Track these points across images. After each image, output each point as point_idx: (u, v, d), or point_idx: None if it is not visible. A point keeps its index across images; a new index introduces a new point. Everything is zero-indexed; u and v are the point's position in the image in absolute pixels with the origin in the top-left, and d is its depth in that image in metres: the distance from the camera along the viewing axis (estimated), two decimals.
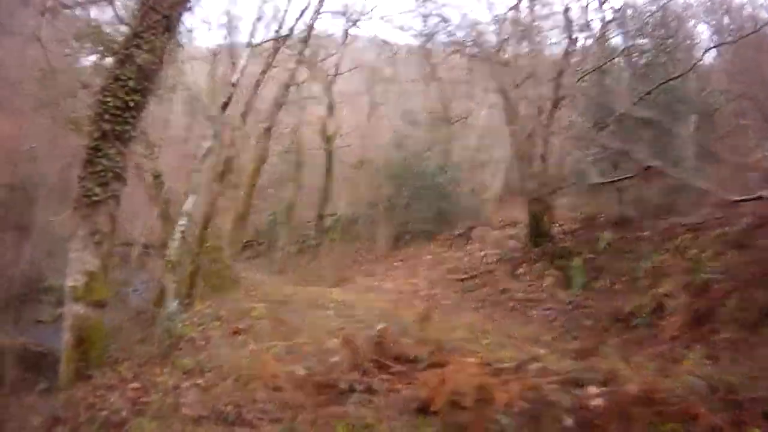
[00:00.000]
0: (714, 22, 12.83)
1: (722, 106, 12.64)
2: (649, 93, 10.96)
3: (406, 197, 16.23)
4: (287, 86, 15.17)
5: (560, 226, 13.36)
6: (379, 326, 6.21)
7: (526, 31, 13.40)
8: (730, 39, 11.79)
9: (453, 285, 12.14)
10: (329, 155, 18.32)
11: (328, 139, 18.28)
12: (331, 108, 18.28)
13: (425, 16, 15.00)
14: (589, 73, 12.35)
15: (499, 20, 13.36)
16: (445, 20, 14.23)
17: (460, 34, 14.39)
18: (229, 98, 10.57)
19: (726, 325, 7.16)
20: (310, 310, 8.72)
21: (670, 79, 11.08)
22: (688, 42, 12.83)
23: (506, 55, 13.71)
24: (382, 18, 28.72)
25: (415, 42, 17.41)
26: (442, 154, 17.48)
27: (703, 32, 13.89)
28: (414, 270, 13.48)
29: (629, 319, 8.86)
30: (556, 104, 12.13)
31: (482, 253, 13.58)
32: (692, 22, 13.22)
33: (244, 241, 16.19)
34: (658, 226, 10.99)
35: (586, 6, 13.16)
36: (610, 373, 6.07)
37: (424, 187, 16.04)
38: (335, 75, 18.57)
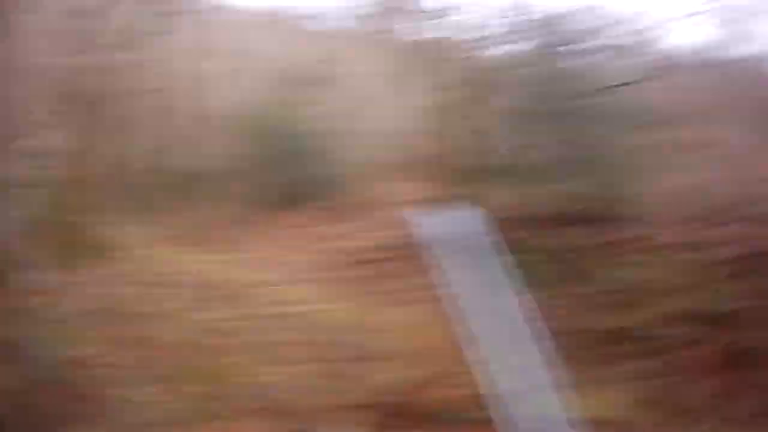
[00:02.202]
0: None
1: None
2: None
3: (272, 157, 13.35)
4: None
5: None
6: None
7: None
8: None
9: (359, 268, 9.46)
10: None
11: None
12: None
13: None
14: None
15: None
16: None
17: None
18: None
19: None
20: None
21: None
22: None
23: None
24: None
25: None
26: (311, 116, 14.37)
27: None
28: (300, 244, 10.69)
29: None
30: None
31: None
32: None
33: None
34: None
35: None
36: None
37: (293, 149, 13.29)
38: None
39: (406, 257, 9.57)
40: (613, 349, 7.35)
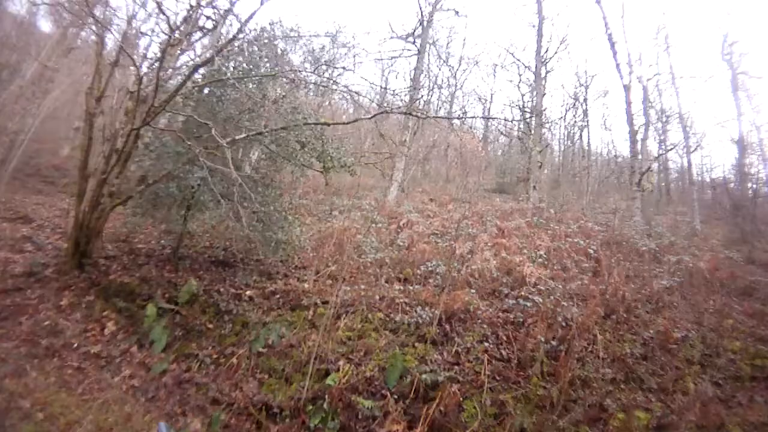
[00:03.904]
0: None
1: None
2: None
3: None
4: None
5: (104, 247, 9.59)
6: None
7: None
8: None
9: None
10: None
11: None
12: None
13: None
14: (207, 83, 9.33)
15: None
16: None
17: None
18: None
19: None
20: None
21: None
22: None
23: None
24: None
25: None
26: None
27: None
28: None
29: (297, 415, 6.19)
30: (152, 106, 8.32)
31: (2, 255, 8.95)
32: None
33: None
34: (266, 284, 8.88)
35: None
36: None
37: None
38: None
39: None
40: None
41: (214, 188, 7.88)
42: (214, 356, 7.23)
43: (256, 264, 9.83)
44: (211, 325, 7.85)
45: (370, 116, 9.66)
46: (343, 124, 10.78)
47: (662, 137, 20.92)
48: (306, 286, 8.97)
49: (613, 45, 16.46)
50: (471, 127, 26.71)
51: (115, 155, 8.38)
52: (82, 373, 6.44)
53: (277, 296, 8.68)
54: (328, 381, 6.63)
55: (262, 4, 8.55)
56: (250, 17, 8.70)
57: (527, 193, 16.78)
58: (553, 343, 7.40)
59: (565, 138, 26.42)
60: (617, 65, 16.31)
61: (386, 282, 9.39)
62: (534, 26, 19.48)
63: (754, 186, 17.73)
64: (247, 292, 8.68)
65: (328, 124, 9.66)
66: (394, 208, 15.12)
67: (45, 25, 18.83)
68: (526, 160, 19.43)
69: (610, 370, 7.12)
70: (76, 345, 6.94)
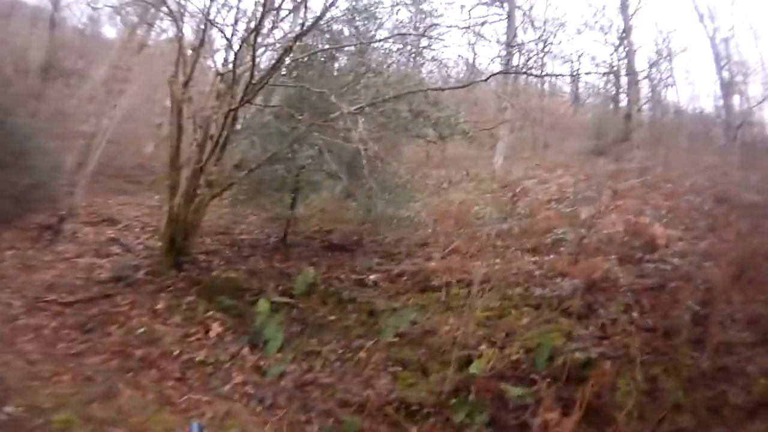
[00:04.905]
0: None
1: None
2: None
3: None
4: None
5: (202, 241, 9.18)
6: None
7: None
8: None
9: (59, 314, 6.79)
10: None
11: None
12: None
13: None
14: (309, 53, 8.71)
15: None
16: None
17: None
18: None
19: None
20: None
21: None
22: None
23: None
24: None
25: None
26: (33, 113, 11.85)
27: None
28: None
29: (439, 412, 5.71)
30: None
31: (86, 261, 8.43)
32: None
33: None
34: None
35: None
36: None
37: (10, 152, 9.77)
38: None
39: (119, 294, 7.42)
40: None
41: (330, 164, 7.51)
42: (339, 351, 6.72)
43: (372, 245, 9.38)
44: (333, 317, 7.39)
45: (485, 78, 9.30)
46: (459, 88, 10.31)
47: (744, 90, 19.76)
48: (433, 264, 8.44)
49: None
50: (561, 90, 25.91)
51: (210, 142, 7.94)
52: (185, 384, 5.80)
53: (404, 278, 8.16)
54: (472, 369, 6.05)
55: None
56: None
57: (630, 152, 16.12)
58: (696, 308, 6.93)
59: (651, 95, 25.24)
60: (700, 17, 15.39)
61: (518, 254, 8.86)
62: None
63: None
64: (371, 277, 8.23)
65: (443, 89, 9.20)
66: (503, 177, 14.61)
67: (109, 32, 19.05)
68: (620, 121, 18.54)
69: (747, 333, 6.57)
70: (176, 353, 6.31)
